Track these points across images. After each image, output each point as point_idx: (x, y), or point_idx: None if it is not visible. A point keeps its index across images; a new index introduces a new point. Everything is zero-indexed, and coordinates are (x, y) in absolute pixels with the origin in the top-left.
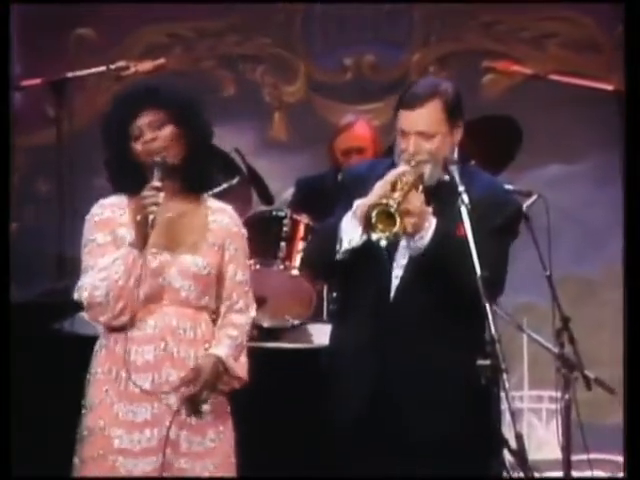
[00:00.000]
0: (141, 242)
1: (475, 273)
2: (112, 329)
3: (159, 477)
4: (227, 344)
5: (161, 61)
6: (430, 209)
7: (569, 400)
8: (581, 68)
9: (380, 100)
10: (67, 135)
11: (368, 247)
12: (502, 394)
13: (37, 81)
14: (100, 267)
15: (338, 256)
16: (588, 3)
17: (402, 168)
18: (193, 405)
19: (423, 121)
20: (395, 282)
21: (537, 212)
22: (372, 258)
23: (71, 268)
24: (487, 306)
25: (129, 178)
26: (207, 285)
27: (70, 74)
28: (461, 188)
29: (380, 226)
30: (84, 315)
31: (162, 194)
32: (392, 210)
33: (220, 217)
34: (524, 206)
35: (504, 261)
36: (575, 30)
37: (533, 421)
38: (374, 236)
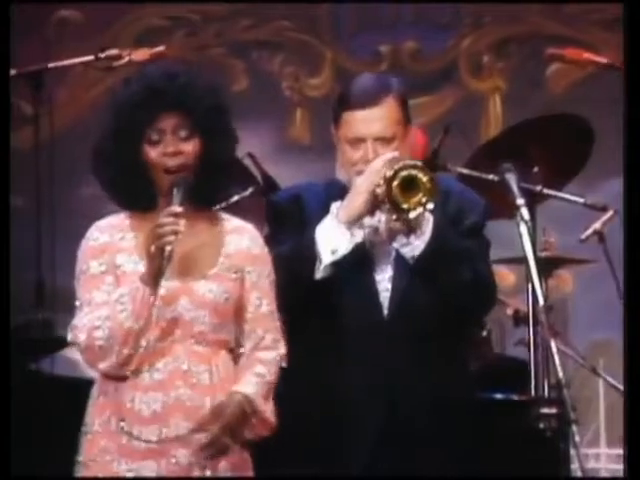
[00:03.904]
0: (154, 278)
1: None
2: (112, 377)
3: (161, 477)
4: (255, 382)
5: (160, 49)
6: None
7: None
8: None
9: (422, 95)
10: (47, 137)
11: (348, 258)
12: (572, 451)
13: (11, 72)
14: (99, 302)
15: (317, 275)
16: (587, 3)
17: (390, 154)
18: (211, 455)
19: (380, 123)
20: (385, 295)
21: (613, 231)
22: (354, 270)
23: (51, 297)
24: (552, 343)
25: (135, 190)
26: (225, 316)
27: (51, 64)
28: (520, 201)
29: (401, 199)
30: (79, 356)
31: (183, 221)
32: (422, 173)
33: (238, 238)
34: (599, 223)
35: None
36: None
37: None
38: (405, 210)
